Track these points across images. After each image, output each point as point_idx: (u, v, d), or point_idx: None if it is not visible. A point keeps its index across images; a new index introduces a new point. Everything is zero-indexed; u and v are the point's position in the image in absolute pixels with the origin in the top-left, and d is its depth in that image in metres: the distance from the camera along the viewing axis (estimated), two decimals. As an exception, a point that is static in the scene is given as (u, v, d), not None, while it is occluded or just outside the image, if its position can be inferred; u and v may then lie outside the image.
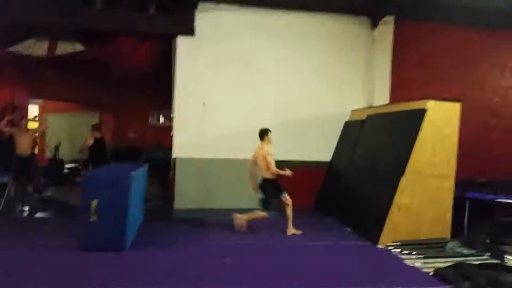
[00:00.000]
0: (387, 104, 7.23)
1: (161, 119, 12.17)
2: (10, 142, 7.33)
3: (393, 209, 5.39)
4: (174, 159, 7.77)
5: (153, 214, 6.94)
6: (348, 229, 6.18)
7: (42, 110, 11.56)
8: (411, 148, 5.32)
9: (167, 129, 11.90)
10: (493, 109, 8.97)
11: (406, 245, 5.33)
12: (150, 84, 10.80)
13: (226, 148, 7.86)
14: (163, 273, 4.22)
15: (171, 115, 8.06)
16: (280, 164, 6.08)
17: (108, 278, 4.01)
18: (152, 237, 5.53)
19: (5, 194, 6.93)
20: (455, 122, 5.44)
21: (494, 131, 8.99)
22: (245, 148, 7.68)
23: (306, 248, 5.33)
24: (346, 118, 8.12)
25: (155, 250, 5.00)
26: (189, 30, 7.59)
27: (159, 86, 11.44)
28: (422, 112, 5.40)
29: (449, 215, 5.58)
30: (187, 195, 7.73)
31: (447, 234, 5.60)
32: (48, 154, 11.03)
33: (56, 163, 10.46)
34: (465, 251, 5.16)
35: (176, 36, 7.69)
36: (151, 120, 12.20)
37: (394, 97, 8.05)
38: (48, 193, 8.55)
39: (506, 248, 5.35)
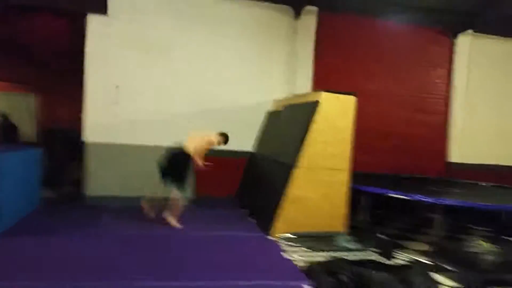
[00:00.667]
0: (300, 95, 7.15)
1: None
2: None
3: (286, 200, 5.33)
4: (83, 143, 7.43)
5: (57, 201, 6.63)
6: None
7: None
8: (304, 140, 5.26)
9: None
10: (419, 105, 9.11)
11: (299, 237, 5.31)
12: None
13: (141, 134, 7.62)
14: (26, 262, 3.98)
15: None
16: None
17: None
18: (36, 225, 5.25)
19: None
20: (349, 115, 5.40)
21: (419, 126, 9.14)
22: (160, 135, 7.57)
23: (199, 239, 5.16)
24: (269, 108, 8.05)
25: (29, 238, 4.73)
26: (101, 9, 7.21)
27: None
28: (315, 104, 5.33)
29: (343, 209, 5.57)
30: (100, 182, 7.45)
31: (341, 228, 5.60)
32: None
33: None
34: (352, 246, 5.18)
35: (87, 14, 7.31)
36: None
37: (316, 89, 8.01)
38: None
39: (409, 244, 5.42)
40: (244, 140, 7.94)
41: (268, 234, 5.33)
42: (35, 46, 9.16)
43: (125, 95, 7.54)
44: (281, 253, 4.71)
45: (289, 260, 4.50)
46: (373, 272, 4.00)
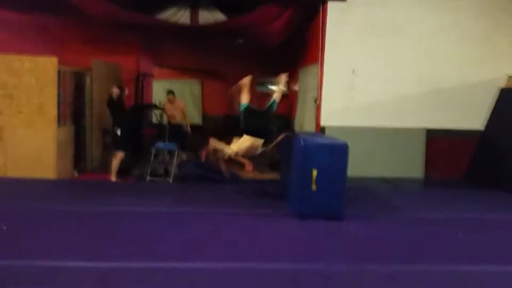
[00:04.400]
0: None
1: (270, 87, 12.11)
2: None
3: None
4: (324, 127, 7.75)
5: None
6: None
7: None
8: None
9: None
10: None
11: None
12: (266, 53, 10.75)
13: (373, 116, 7.80)
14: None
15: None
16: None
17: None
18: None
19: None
20: None
21: None
22: (388, 116, 7.70)
23: None
24: (499, 85, 7.80)
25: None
26: (341, -3, 7.41)
27: (276, 55, 11.42)
28: None
29: None
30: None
31: None
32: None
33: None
34: None
35: (326, 1, 7.54)
36: (259, 88, 12.15)
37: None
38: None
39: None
40: (473, 119, 7.84)
41: None
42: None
43: (359, 79, 7.72)
44: None
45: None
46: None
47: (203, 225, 4.64)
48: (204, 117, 12.11)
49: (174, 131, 8.20)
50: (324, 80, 7.74)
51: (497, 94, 7.78)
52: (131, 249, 3.81)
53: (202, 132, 10.87)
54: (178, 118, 8.35)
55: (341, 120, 7.74)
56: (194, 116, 11.79)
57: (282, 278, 3.33)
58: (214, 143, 5.58)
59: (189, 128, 8.53)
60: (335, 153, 4.86)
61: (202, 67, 11.48)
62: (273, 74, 11.88)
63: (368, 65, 7.71)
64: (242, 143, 5.49)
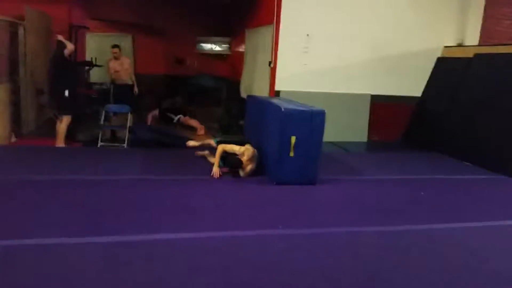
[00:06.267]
0: (498, 44, 7.56)
1: (211, 46, 11.75)
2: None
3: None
4: (279, 92, 7.78)
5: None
6: (467, 163, 6.71)
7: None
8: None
9: (215, 57, 11.75)
10: None
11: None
12: (208, 10, 10.35)
13: (323, 81, 7.99)
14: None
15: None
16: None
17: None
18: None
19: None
20: None
21: None
22: (339, 82, 7.96)
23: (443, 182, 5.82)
24: (438, 55, 8.41)
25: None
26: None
27: (219, 13, 11.00)
28: None
29: None
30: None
31: None
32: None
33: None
34: None
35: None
36: (199, 47, 11.73)
37: (485, 37, 8.38)
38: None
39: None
40: (414, 86, 8.41)
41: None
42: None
43: (313, 44, 7.80)
44: None
45: None
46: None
47: (181, 193, 4.50)
48: (136, 76, 11.42)
49: (121, 92, 7.66)
50: (279, 43, 7.69)
51: (435, 63, 8.40)
52: (119, 221, 3.59)
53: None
54: (124, 77, 7.80)
55: (295, 85, 7.82)
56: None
57: (284, 241, 3.40)
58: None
59: (136, 89, 8.04)
60: (313, 120, 4.94)
61: (136, 21, 10.72)
62: (215, 33, 11.65)
63: (322, 29, 7.78)
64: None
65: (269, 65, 7.92)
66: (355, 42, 7.99)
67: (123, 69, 7.77)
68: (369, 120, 8.31)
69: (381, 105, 8.27)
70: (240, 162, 5.08)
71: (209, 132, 8.24)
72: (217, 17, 11.23)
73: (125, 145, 6.56)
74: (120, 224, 3.55)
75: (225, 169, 5.26)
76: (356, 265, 3.12)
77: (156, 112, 8.32)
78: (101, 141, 6.50)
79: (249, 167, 5.15)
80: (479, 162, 6.51)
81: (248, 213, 4.07)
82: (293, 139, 4.88)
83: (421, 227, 3.95)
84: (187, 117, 8.40)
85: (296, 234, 3.61)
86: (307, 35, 7.75)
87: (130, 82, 7.99)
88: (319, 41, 7.79)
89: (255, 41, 9.06)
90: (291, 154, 4.92)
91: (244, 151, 5.15)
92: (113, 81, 7.94)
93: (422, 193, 4.98)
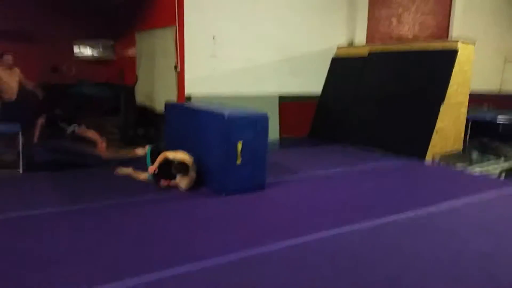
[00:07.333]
0: (389, 44, 8.30)
1: (88, 51, 10.58)
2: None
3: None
4: (189, 96, 7.31)
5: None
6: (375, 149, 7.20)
7: None
8: (447, 82, 6.60)
9: (97, 62, 10.62)
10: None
11: (440, 159, 6.75)
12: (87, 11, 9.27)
13: (233, 83, 7.79)
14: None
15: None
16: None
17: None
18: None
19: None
20: (470, 60, 6.92)
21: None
22: (248, 84, 7.88)
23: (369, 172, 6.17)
24: (332, 54, 8.89)
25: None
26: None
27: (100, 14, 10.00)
28: (454, 53, 6.66)
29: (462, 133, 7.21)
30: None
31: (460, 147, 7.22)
32: None
33: None
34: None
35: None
36: (77, 52, 10.46)
37: (369, 39, 9.18)
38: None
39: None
40: (316, 85, 8.76)
41: (422, 159, 6.58)
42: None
43: (220, 46, 7.54)
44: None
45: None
46: None
47: (130, 220, 3.84)
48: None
49: (12, 108, 6.33)
50: (185, 46, 7.23)
51: (330, 63, 8.87)
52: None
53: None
54: (15, 90, 6.49)
55: (205, 89, 7.45)
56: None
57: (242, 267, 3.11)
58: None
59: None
60: (257, 124, 4.69)
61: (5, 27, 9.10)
62: (95, 36, 10.49)
63: (228, 31, 7.58)
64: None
65: (175, 69, 7.41)
66: (260, 44, 7.99)
67: (13, 80, 6.45)
68: (279, 119, 8.39)
69: (288, 104, 8.43)
70: (187, 166, 4.61)
71: (111, 145, 7.36)
72: (97, 19, 10.15)
73: (20, 169, 5.40)
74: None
75: (165, 182, 4.73)
76: (374, 267, 3.00)
77: (43, 120, 7.03)
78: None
79: (191, 176, 4.70)
80: (385, 149, 7.06)
81: (223, 235, 3.64)
82: (240, 145, 4.58)
83: (395, 217, 4.03)
84: (83, 128, 7.32)
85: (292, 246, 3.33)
86: (213, 37, 7.44)
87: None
88: (225, 44, 7.57)
89: (151, 45, 8.39)
90: (239, 161, 4.60)
91: (187, 158, 4.71)
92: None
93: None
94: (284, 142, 8.22)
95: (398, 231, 3.74)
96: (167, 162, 4.76)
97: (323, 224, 3.83)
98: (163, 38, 7.77)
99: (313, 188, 5.04)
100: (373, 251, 3.32)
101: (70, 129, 6.98)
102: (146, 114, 8.48)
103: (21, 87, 6.57)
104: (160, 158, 4.76)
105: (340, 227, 3.75)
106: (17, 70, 6.55)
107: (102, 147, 7.17)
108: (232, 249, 3.24)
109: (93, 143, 7.16)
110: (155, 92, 8.27)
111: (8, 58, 6.29)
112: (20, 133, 5.64)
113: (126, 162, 5.66)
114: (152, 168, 4.78)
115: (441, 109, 6.72)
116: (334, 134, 8.14)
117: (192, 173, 4.74)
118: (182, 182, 4.71)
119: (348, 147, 7.52)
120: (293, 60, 8.41)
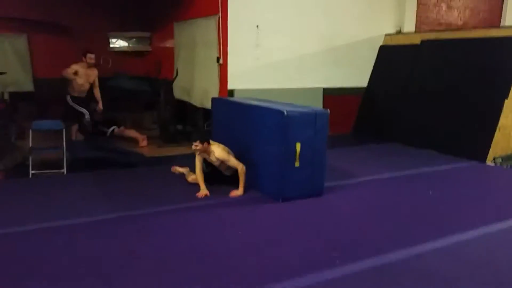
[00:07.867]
0: (441, 31, 7.73)
1: (124, 43, 10.37)
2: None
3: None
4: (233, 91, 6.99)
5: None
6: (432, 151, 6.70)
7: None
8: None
9: (134, 54, 10.41)
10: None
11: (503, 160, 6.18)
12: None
13: (277, 76, 7.41)
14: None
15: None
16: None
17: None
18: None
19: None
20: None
21: None
22: (291, 76, 7.47)
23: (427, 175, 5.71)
24: (380, 43, 8.36)
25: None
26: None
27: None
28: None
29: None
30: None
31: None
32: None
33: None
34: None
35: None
36: (113, 44, 10.27)
37: (419, 26, 8.62)
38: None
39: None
40: (362, 76, 8.27)
41: (483, 161, 6.05)
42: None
43: (264, 36, 7.16)
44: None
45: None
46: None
47: (180, 229, 3.56)
48: (37, 81, 9.57)
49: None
50: (230, 36, 6.88)
51: (378, 52, 8.35)
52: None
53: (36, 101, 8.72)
54: (86, 89, 6.43)
55: (249, 83, 7.11)
56: (24, 82, 9.29)
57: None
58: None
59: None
60: (317, 122, 4.31)
61: (31, 16, 8.92)
62: (132, 28, 10.26)
63: (270, 22, 7.17)
64: None
65: (218, 61, 7.07)
66: (303, 34, 7.56)
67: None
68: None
69: (331, 98, 7.98)
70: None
71: (153, 143, 7.14)
72: (133, 10, 9.91)
73: (64, 170, 5.21)
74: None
75: None
76: None
77: (76, 126, 6.92)
78: (32, 169, 5.06)
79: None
80: (439, 149, 6.53)
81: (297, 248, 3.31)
82: (298, 146, 4.22)
83: (482, 231, 3.62)
84: (122, 128, 7.14)
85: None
86: (257, 26, 7.06)
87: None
88: (268, 34, 7.17)
89: (190, 35, 8.06)
90: (297, 164, 4.25)
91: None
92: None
93: (430, 192, 4.69)
94: (328, 139, 7.77)
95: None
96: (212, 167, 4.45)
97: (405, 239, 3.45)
98: (205, 28, 7.43)
99: (375, 195, 4.63)
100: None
101: (109, 131, 6.84)
102: (184, 109, 8.22)
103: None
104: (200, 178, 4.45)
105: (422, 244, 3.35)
106: (95, 71, 6.42)
107: (144, 144, 6.99)
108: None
109: (134, 141, 7.00)
110: (194, 86, 7.96)
111: (91, 57, 6.17)
112: (63, 130, 5.45)
113: (169, 160, 5.42)
114: (201, 194, 4.38)
115: (504, 104, 6.16)
116: (380, 131, 7.64)
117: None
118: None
119: (397, 146, 7.02)
120: (338, 50, 7.92)
